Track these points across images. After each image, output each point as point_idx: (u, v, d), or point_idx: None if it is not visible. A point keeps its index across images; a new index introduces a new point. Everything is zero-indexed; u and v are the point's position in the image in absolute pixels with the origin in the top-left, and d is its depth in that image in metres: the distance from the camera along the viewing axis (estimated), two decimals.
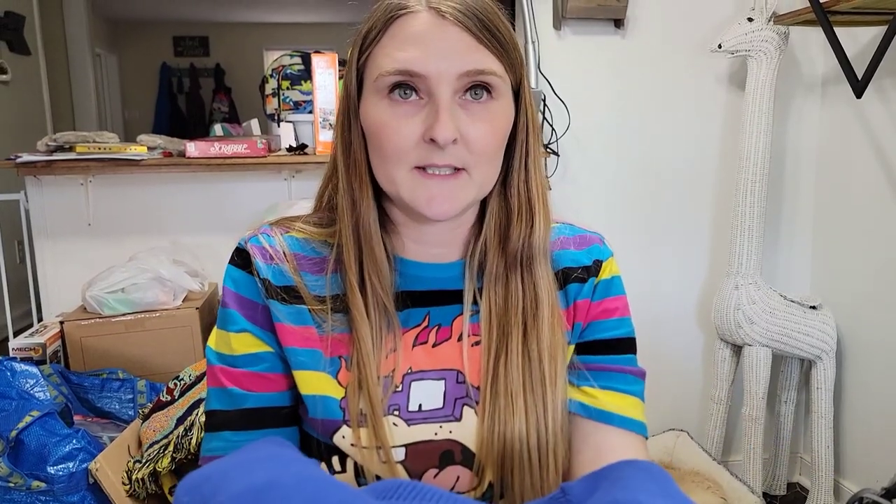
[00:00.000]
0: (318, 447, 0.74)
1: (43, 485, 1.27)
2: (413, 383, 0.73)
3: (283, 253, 0.74)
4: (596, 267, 0.79)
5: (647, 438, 0.77)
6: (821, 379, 2.19)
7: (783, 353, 2.20)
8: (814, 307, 2.19)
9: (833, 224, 2.31)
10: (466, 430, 0.72)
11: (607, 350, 0.78)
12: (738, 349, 2.26)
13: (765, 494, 2.40)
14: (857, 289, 2.20)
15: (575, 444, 0.75)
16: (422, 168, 0.69)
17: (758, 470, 2.20)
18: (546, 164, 2.23)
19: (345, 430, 0.71)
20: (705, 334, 2.43)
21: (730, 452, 2.43)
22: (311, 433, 0.74)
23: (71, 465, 1.31)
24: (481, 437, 0.71)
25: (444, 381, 0.73)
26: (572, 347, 0.77)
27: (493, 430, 0.71)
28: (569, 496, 0.50)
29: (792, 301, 2.17)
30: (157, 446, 1.37)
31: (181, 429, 1.37)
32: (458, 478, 0.72)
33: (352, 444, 0.70)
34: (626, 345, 0.79)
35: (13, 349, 1.65)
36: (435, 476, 0.71)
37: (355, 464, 0.72)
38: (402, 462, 0.71)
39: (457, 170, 0.69)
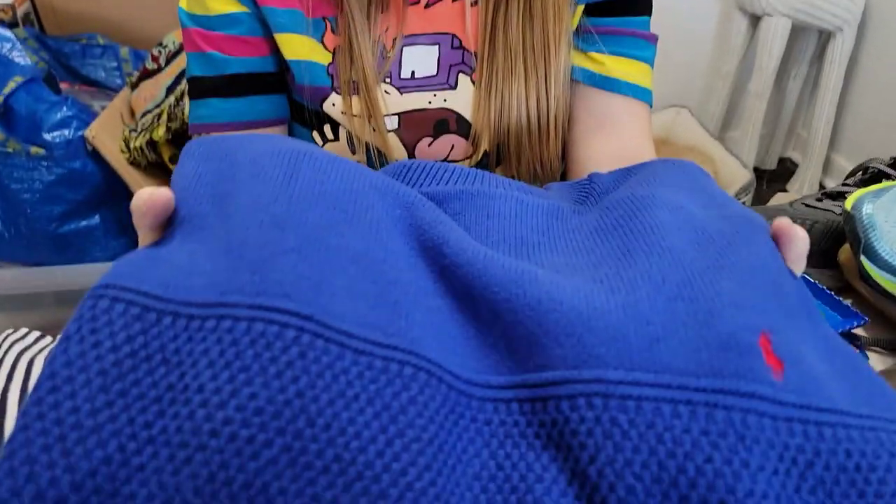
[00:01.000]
0: (309, 115, 0.70)
1: (42, 151, 1.26)
2: (405, 49, 0.67)
3: None
4: None
5: (651, 107, 0.73)
6: (836, 52, 2.10)
7: (803, 25, 2.08)
8: None
9: None
10: (461, 98, 0.68)
11: (620, 10, 0.70)
12: (755, 20, 2.13)
13: (755, 168, 2.46)
14: None
15: (575, 112, 0.71)
16: None
17: (754, 146, 2.23)
18: None
19: (334, 97, 0.67)
20: (722, 3, 2.26)
21: (728, 128, 2.43)
22: (300, 100, 0.70)
23: (66, 132, 1.29)
24: (478, 101, 0.67)
25: (437, 47, 0.67)
26: (581, 8, 0.69)
27: (490, 94, 0.66)
28: (594, 184, 0.47)
29: None
30: (150, 115, 1.34)
31: (172, 98, 1.33)
32: (452, 146, 0.70)
33: (342, 113, 0.67)
34: (642, 5, 0.71)
35: None
36: (429, 145, 0.69)
37: (348, 132, 0.69)
38: (394, 131, 0.68)
39: None
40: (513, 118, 0.68)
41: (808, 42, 2.24)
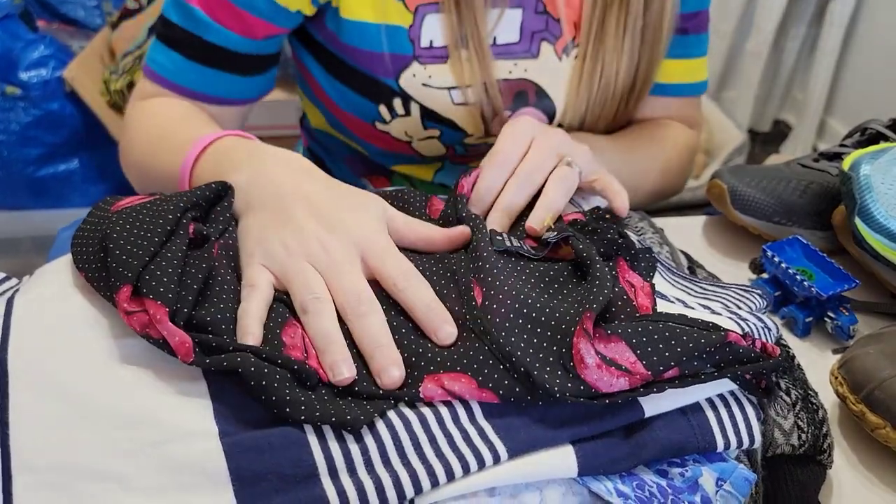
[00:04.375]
0: (377, 88, 0.62)
1: (17, 90, 1.22)
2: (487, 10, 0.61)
3: None
4: None
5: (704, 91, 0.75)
6: (836, 14, 2.06)
7: None
8: None
9: None
10: (544, 69, 0.64)
11: None
12: None
13: (749, 130, 2.44)
14: None
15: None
16: None
17: (748, 107, 2.20)
18: None
19: (415, 67, 0.61)
20: None
21: (724, 88, 2.39)
22: (364, 70, 0.62)
23: (44, 71, 1.25)
24: (576, 83, 0.64)
25: (521, 11, 0.62)
26: None
27: (593, 76, 0.63)
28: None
29: None
30: (131, 57, 1.30)
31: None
32: None
33: (423, 85, 0.61)
34: None
35: None
36: (507, 118, 0.64)
37: (421, 107, 0.63)
38: (474, 104, 0.63)
39: None
40: (607, 102, 0.65)
41: (808, 3, 2.20)
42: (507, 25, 0.62)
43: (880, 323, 0.56)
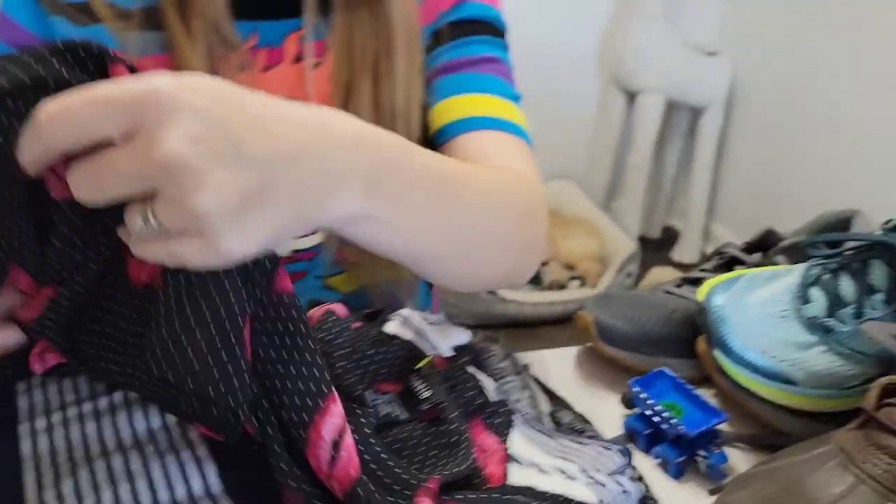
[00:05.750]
0: None
1: None
2: None
3: None
4: None
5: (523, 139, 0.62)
6: (707, 127, 2.22)
7: (674, 101, 2.18)
8: (712, 54, 2.14)
9: None
10: None
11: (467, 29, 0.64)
12: (632, 96, 2.22)
13: (641, 237, 2.54)
14: (762, 38, 2.13)
15: None
16: None
17: (636, 216, 2.29)
18: None
19: None
20: (601, 81, 2.36)
21: (614, 199, 2.50)
22: None
23: None
24: None
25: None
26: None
27: None
28: None
29: (692, 47, 2.11)
30: None
31: None
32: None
33: None
34: (493, 29, 0.65)
35: None
36: None
37: None
38: None
39: None
40: None
41: (682, 118, 2.36)
42: None
43: (753, 456, 0.54)
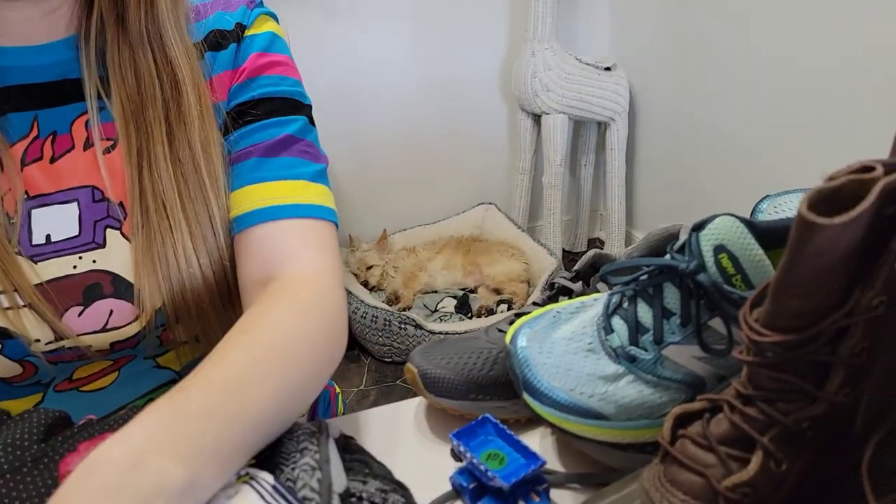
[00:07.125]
0: None
1: None
2: (34, 211, 0.59)
3: None
4: (239, 31, 0.65)
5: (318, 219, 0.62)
6: (614, 140, 2.24)
7: (579, 118, 2.21)
8: (608, 69, 2.17)
9: None
10: (115, 256, 0.61)
11: (261, 110, 0.64)
12: (538, 118, 2.24)
13: (568, 252, 2.55)
14: (653, 48, 2.18)
15: (242, 258, 0.63)
16: None
17: (558, 233, 2.30)
18: None
19: None
20: (509, 105, 2.38)
21: (536, 218, 2.51)
22: None
23: None
24: (136, 260, 0.60)
25: (76, 203, 0.60)
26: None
27: (152, 251, 0.59)
28: None
29: (587, 64, 2.14)
30: None
31: None
32: (111, 312, 0.61)
33: None
34: (288, 105, 0.65)
35: None
36: (79, 315, 0.60)
37: None
38: (27, 306, 0.58)
39: None
40: (184, 275, 0.61)
41: (590, 133, 2.39)
42: (62, 220, 0.60)
43: (583, 495, 0.53)
